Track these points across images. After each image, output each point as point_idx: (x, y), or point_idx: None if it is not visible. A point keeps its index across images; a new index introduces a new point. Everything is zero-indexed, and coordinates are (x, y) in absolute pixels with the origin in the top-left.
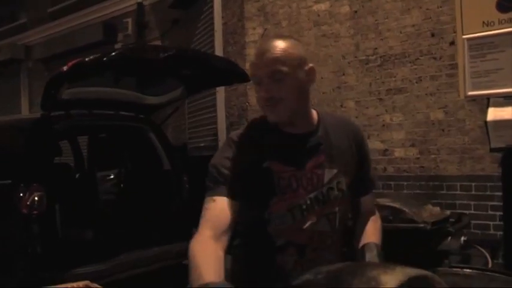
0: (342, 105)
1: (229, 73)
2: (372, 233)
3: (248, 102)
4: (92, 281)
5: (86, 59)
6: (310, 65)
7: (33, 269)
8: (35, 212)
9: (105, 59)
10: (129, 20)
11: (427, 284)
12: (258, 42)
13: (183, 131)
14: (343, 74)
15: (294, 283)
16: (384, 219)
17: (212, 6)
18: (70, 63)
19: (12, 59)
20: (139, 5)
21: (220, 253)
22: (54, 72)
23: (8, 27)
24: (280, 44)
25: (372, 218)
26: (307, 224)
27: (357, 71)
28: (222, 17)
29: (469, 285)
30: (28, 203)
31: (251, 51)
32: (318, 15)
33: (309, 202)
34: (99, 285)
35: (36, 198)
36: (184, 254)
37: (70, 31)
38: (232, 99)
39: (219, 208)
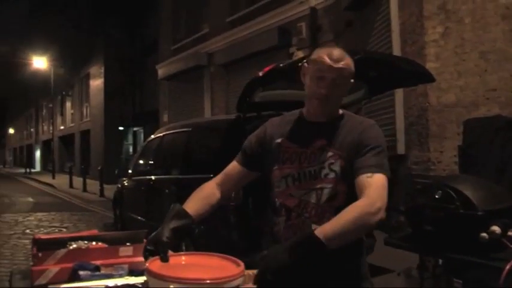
0: None
1: (414, 74)
2: (335, 217)
3: (428, 102)
4: None
5: (281, 65)
6: (352, 80)
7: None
8: (232, 203)
9: (299, 64)
10: (303, 24)
11: None
12: (438, 42)
13: None
14: None
15: None
16: None
17: (388, 7)
18: (266, 69)
19: (196, 65)
20: (313, 9)
21: (215, 193)
22: (237, 77)
23: (192, 38)
24: (345, 56)
25: (353, 204)
26: (297, 192)
27: None
28: (399, 17)
29: None
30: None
31: (431, 51)
32: (507, 8)
33: (301, 174)
34: None
35: None
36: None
37: (247, 37)
38: (411, 99)
39: (232, 168)
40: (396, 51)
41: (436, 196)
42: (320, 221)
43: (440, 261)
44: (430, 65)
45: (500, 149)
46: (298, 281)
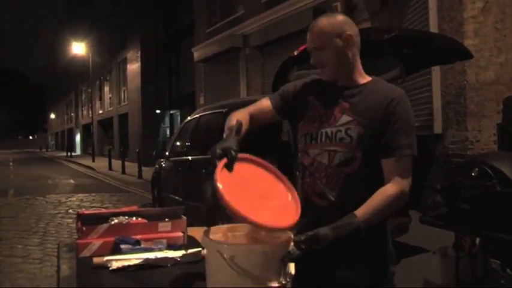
0: None
1: (451, 51)
2: (370, 200)
3: (466, 80)
4: None
5: None
6: (348, 32)
7: None
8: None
9: None
10: (338, 3)
11: None
12: (477, 18)
13: None
14: None
15: None
16: None
17: None
18: (301, 48)
19: (232, 47)
20: None
21: (247, 122)
22: (272, 59)
23: (227, 20)
24: (316, 23)
25: (386, 187)
26: (311, 151)
27: None
28: None
29: None
30: None
31: (470, 28)
32: None
33: (319, 134)
34: None
35: None
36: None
37: (282, 18)
38: (448, 77)
39: (264, 106)
40: (433, 28)
41: (473, 174)
42: (328, 184)
43: (478, 240)
44: (469, 42)
45: None
46: (332, 263)
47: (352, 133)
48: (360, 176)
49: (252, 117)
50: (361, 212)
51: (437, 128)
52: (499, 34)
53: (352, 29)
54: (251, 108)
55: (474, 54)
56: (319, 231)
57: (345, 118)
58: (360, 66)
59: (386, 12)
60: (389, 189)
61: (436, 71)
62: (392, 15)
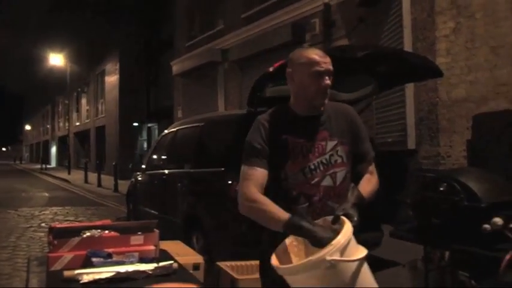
0: None
1: (423, 69)
2: (363, 184)
3: (438, 97)
4: None
5: None
6: None
7: (240, 244)
8: None
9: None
10: (317, 20)
11: None
12: (449, 37)
13: (370, 126)
14: None
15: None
16: None
17: (401, 3)
18: (276, 64)
19: (211, 61)
20: (326, 5)
21: (264, 198)
22: (251, 73)
23: (207, 34)
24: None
25: (367, 176)
26: (315, 180)
27: None
28: (411, 13)
29: None
30: (236, 188)
31: (442, 46)
32: None
33: (316, 164)
34: None
35: None
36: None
37: (261, 33)
38: (421, 94)
39: (258, 174)
40: (408, 46)
41: (441, 189)
42: (339, 201)
43: (447, 253)
44: (441, 60)
45: (509, 143)
46: None
47: (341, 153)
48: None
49: (261, 191)
50: (364, 193)
51: (411, 144)
52: (469, 53)
53: None
54: (257, 188)
55: (446, 72)
56: (348, 212)
57: (331, 144)
58: None
59: (363, 30)
60: (372, 179)
61: (409, 88)
62: (369, 33)
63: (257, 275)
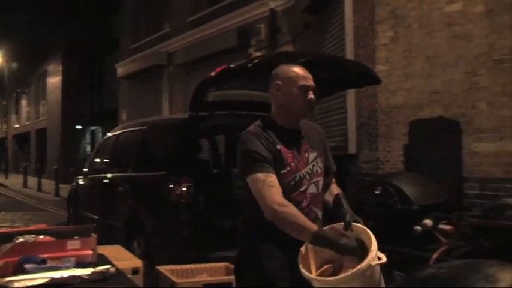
0: (472, 107)
1: (362, 76)
2: (335, 188)
3: (378, 104)
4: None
5: (232, 65)
6: None
7: (181, 248)
8: (183, 200)
9: (249, 65)
10: (262, 25)
11: None
12: (388, 46)
13: None
14: (475, 75)
15: (418, 275)
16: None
17: (343, 11)
18: (218, 69)
19: (156, 64)
20: (272, 11)
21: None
22: (196, 77)
23: (153, 37)
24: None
25: (334, 186)
26: (303, 188)
27: (490, 72)
28: (353, 21)
29: None
30: (178, 192)
31: (382, 54)
32: (450, 16)
33: (304, 173)
34: None
35: (184, 188)
36: None
37: (207, 38)
38: (362, 101)
39: (276, 181)
40: (349, 54)
41: (377, 192)
42: (319, 207)
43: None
44: (380, 68)
45: (443, 148)
46: None
47: (320, 164)
48: None
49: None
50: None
51: (352, 148)
52: (407, 62)
53: None
54: (280, 193)
55: (385, 80)
56: (355, 218)
57: (312, 155)
58: None
59: (308, 36)
60: (337, 188)
61: (350, 95)
62: (314, 39)
63: (197, 279)
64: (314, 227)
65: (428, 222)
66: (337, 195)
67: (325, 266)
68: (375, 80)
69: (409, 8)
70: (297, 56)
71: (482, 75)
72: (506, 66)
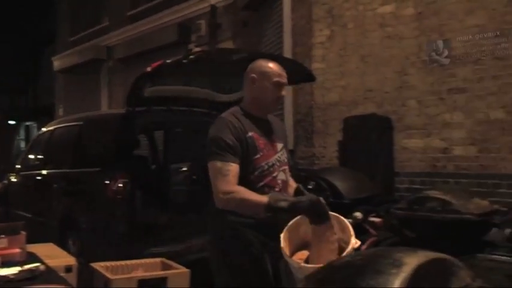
0: (403, 104)
1: (297, 73)
2: (293, 182)
3: (314, 101)
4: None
5: (168, 61)
6: None
7: (117, 244)
8: (119, 196)
9: (184, 61)
10: (203, 21)
11: (444, 266)
12: (325, 44)
13: None
14: (406, 74)
15: (335, 264)
16: (432, 210)
17: (282, 9)
18: (154, 64)
19: (94, 59)
20: (213, 7)
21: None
22: (136, 72)
23: (91, 30)
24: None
25: (291, 179)
26: (274, 174)
27: (419, 71)
28: (292, 19)
29: (498, 269)
30: (114, 188)
31: (318, 52)
32: (383, 17)
33: (274, 160)
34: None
35: (120, 185)
36: None
37: (147, 32)
38: (299, 98)
39: (233, 170)
40: (287, 51)
41: (310, 187)
42: (288, 192)
43: None
44: (317, 66)
45: (375, 144)
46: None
47: (286, 153)
48: None
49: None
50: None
51: (290, 144)
52: (342, 60)
53: None
54: (236, 181)
55: (321, 77)
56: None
57: (279, 145)
58: None
59: (247, 33)
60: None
61: (288, 91)
62: (253, 36)
63: (132, 274)
64: (265, 198)
65: (358, 215)
66: (298, 187)
67: (299, 253)
68: (309, 77)
69: (345, 8)
70: (234, 52)
71: (412, 75)
72: (433, 66)
